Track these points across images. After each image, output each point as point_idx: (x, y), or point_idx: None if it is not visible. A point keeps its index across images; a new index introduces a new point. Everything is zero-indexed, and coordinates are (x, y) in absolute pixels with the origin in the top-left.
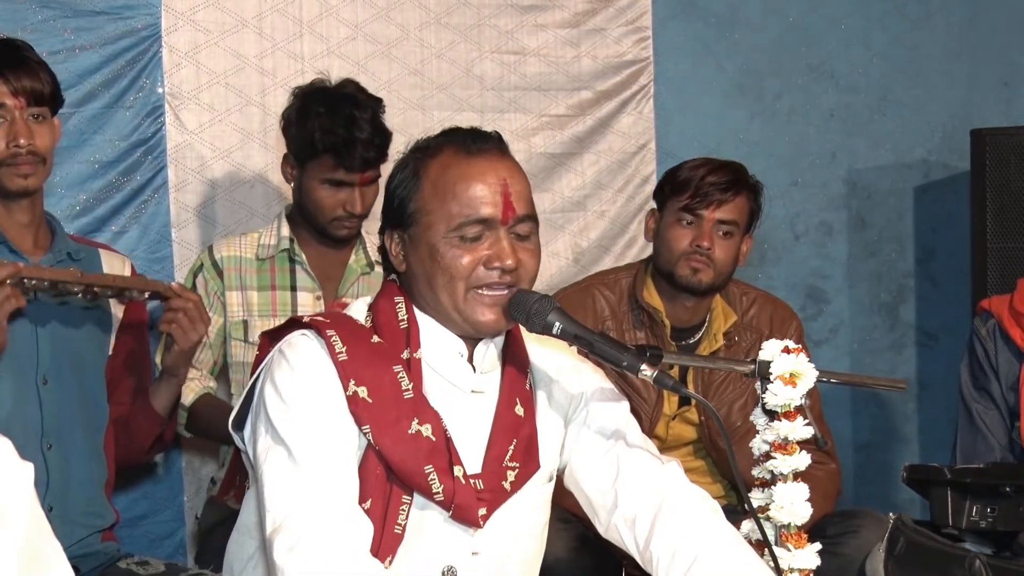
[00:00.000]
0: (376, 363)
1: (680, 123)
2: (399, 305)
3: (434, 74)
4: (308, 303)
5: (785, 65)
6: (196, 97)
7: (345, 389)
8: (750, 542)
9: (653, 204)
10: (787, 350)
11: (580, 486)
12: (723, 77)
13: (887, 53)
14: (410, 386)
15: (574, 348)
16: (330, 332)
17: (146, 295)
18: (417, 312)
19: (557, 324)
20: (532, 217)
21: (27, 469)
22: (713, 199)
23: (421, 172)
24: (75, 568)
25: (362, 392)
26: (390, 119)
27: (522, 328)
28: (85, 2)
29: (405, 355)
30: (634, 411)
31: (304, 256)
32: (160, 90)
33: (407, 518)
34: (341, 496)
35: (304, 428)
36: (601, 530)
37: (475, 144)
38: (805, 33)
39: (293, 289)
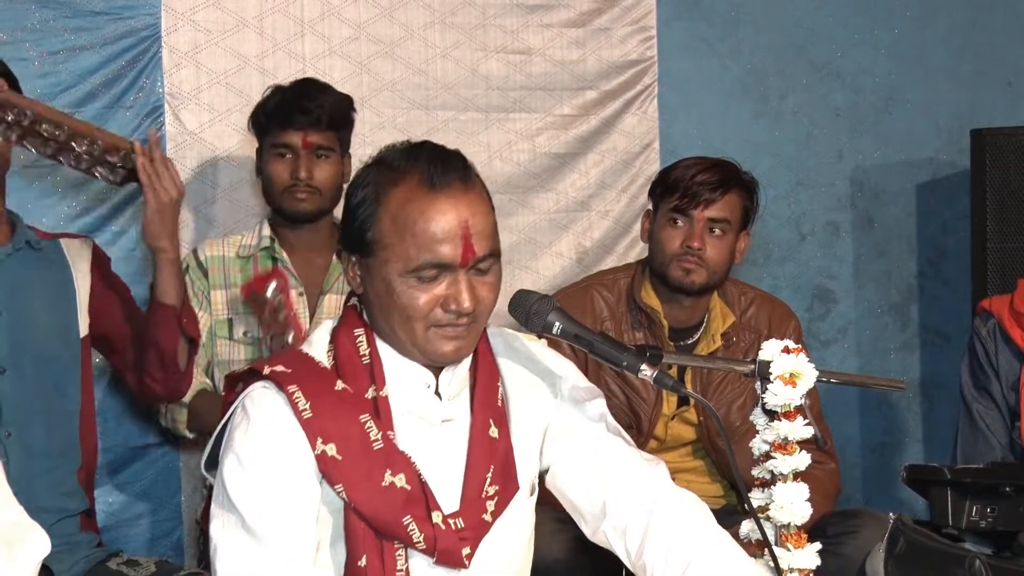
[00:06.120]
0: (342, 415)
1: (684, 123)
2: (360, 339)
3: (439, 74)
4: (291, 300)
5: (790, 65)
6: (196, 97)
7: (313, 448)
8: (750, 542)
9: (650, 205)
10: (787, 350)
11: (564, 493)
12: (728, 77)
13: (893, 52)
14: (379, 436)
15: (544, 344)
16: (292, 388)
17: (110, 155)
18: (379, 344)
19: (557, 324)
20: (493, 253)
21: None
22: (702, 198)
23: (381, 200)
24: (60, 557)
25: (330, 450)
26: (394, 118)
27: (489, 334)
28: (85, 2)
29: (370, 394)
30: (633, 411)
31: (285, 255)
32: (160, 90)
33: (406, 563)
34: (295, 570)
35: (260, 496)
36: (588, 534)
37: (438, 176)
38: (810, 32)
39: None
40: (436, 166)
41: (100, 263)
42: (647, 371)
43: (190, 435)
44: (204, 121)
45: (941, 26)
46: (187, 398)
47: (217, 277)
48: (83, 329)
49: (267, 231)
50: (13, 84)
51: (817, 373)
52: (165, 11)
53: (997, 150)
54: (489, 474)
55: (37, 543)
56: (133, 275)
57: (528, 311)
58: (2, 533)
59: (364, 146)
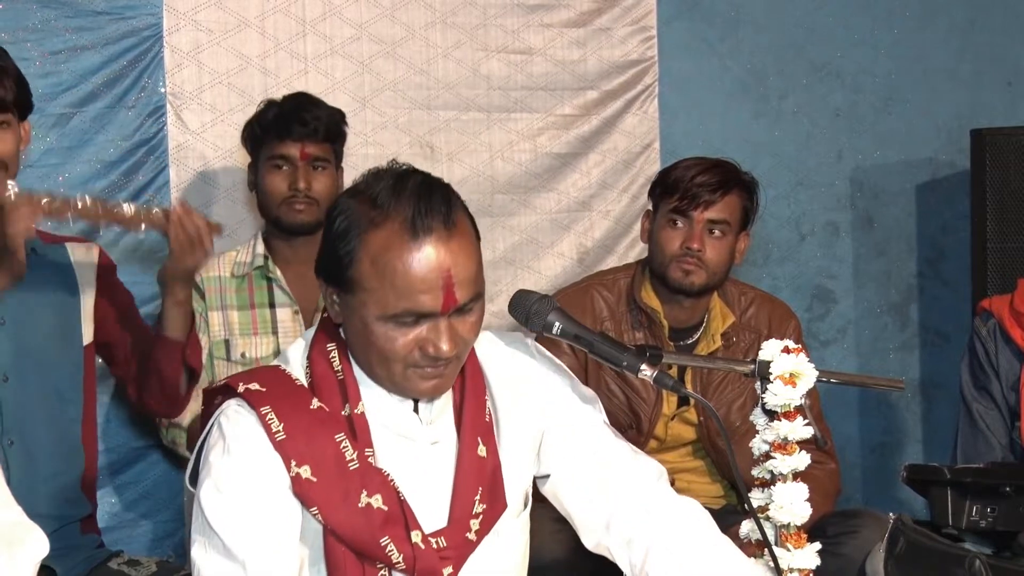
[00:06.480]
0: (317, 435)
1: (684, 123)
2: (332, 356)
3: (440, 73)
4: (287, 319)
5: (790, 64)
6: (198, 97)
7: (288, 470)
8: (750, 542)
9: (649, 205)
10: (787, 350)
11: (563, 504)
12: (728, 76)
13: (893, 52)
14: (354, 455)
15: (533, 344)
16: (265, 409)
17: (142, 228)
18: (353, 364)
19: (557, 324)
20: (475, 297)
21: None
22: (702, 200)
23: (362, 239)
24: (61, 559)
25: (305, 472)
26: (396, 118)
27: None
28: (87, 2)
29: (346, 411)
30: (633, 411)
31: (279, 273)
32: (162, 90)
33: None
34: None
35: (238, 519)
36: (589, 546)
37: (421, 220)
38: (810, 32)
39: (272, 306)
40: (420, 209)
41: (105, 270)
42: (647, 371)
43: (190, 455)
44: (206, 121)
45: (941, 26)
46: (186, 422)
47: (214, 299)
48: (87, 337)
49: (261, 248)
50: (22, 84)
51: (817, 373)
52: (167, 11)
53: (997, 150)
54: (477, 496)
55: (36, 543)
56: (137, 274)
57: (528, 311)
58: (2, 533)
59: (366, 145)
